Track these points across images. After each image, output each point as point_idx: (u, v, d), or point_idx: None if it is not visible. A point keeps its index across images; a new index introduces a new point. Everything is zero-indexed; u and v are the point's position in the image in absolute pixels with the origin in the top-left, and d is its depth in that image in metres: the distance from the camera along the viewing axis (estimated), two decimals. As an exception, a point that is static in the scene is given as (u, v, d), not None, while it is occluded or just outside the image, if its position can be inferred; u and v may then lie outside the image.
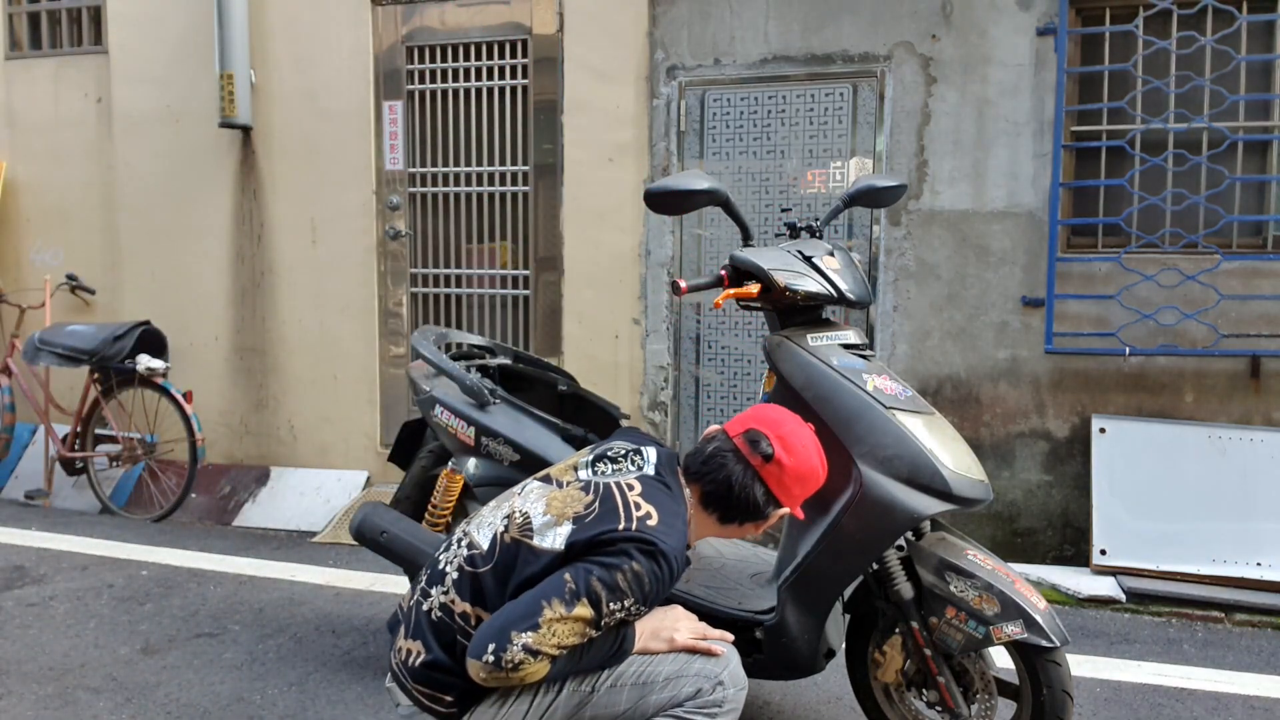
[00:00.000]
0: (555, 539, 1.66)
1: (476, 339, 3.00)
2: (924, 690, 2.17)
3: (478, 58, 4.77)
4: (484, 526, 1.77)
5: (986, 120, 4.02)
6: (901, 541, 2.11)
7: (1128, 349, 3.85)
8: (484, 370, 2.85)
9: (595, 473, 1.77)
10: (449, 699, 1.71)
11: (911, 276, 4.13)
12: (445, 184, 4.89)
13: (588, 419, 2.88)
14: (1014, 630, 1.96)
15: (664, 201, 2.19)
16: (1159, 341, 3.87)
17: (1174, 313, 3.82)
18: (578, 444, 2.71)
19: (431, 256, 4.94)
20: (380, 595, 3.48)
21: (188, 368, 5.17)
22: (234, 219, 5.11)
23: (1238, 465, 3.67)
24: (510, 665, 1.57)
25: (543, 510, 1.71)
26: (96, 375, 4.85)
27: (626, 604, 1.62)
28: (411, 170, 4.91)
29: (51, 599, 3.39)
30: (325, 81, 4.92)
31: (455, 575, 1.72)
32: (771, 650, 2.16)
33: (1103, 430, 3.82)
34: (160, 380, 4.71)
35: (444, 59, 4.82)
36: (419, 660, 1.72)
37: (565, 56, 4.56)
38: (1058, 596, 3.61)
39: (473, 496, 2.79)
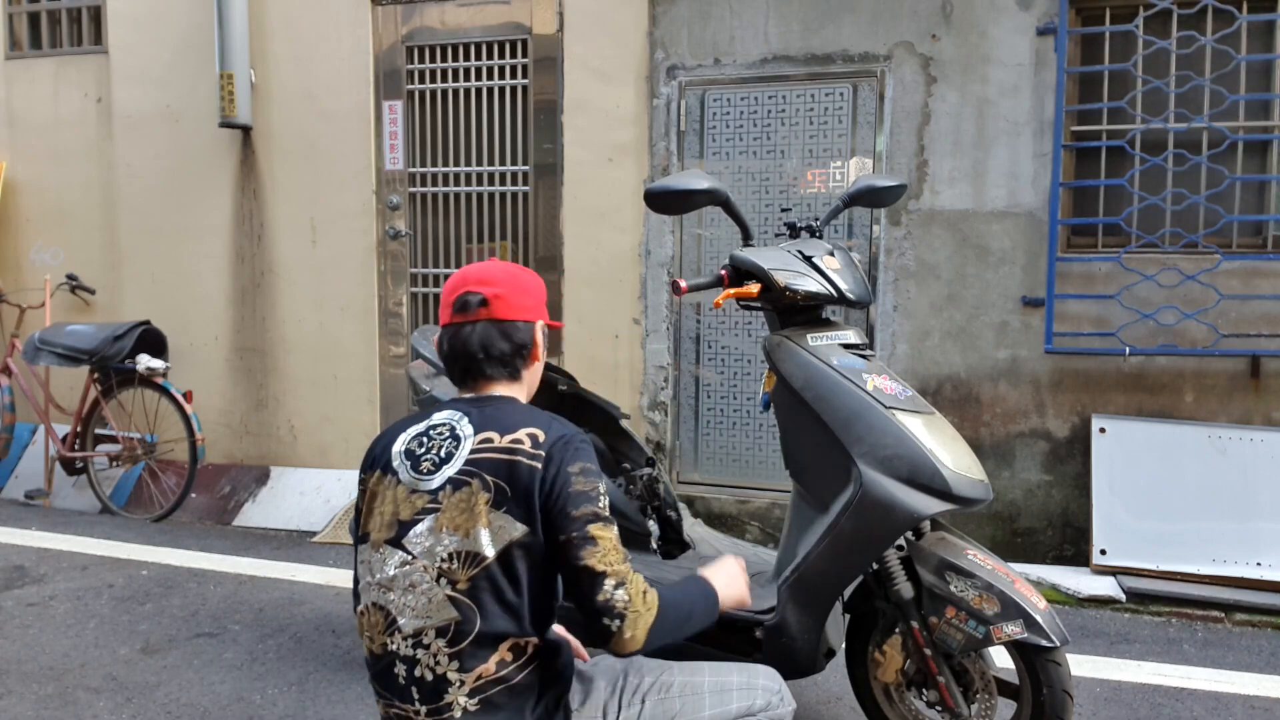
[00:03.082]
0: (503, 536, 1.57)
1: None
2: (924, 690, 2.17)
3: (478, 58, 4.77)
4: (411, 614, 1.58)
5: (986, 120, 4.02)
6: (901, 541, 2.11)
7: (1128, 349, 3.85)
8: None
9: (438, 473, 1.62)
10: None
11: (911, 276, 4.13)
12: (445, 184, 4.89)
13: (588, 419, 2.88)
14: (1014, 630, 1.95)
15: (664, 201, 2.19)
16: (1159, 341, 3.87)
17: (1174, 313, 3.82)
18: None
19: (431, 256, 4.95)
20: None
21: (188, 368, 5.17)
22: (234, 219, 5.11)
23: (1238, 465, 3.67)
24: (628, 609, 1.54)
25: (455, 539, 1.57)
26: (96, 375, 4.85)
27: (601, 489, 1.62)
28: (411, 170, 4.91)
29: (51, 599, 3.39)
30: (325, 81, 4.92)
31: (455, 666, 1.56)
32: (771, 650, 2.16)
33: (1103, 430, 3.82)
34: (160, 380, 4.72)
35: (444, 59, 4.82)
36: None
37: (565, 56, 4.56)
38: (1058, 596, 3.61)
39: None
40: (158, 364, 4.70)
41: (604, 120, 4.49)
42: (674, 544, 2.69)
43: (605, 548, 1.57)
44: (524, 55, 4.68)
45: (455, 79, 4.81)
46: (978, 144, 4.03)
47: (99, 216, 5.39)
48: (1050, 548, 4.01)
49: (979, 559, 2.05)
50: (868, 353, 2.21)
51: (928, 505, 1.98)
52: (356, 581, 1.72)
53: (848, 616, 2.28)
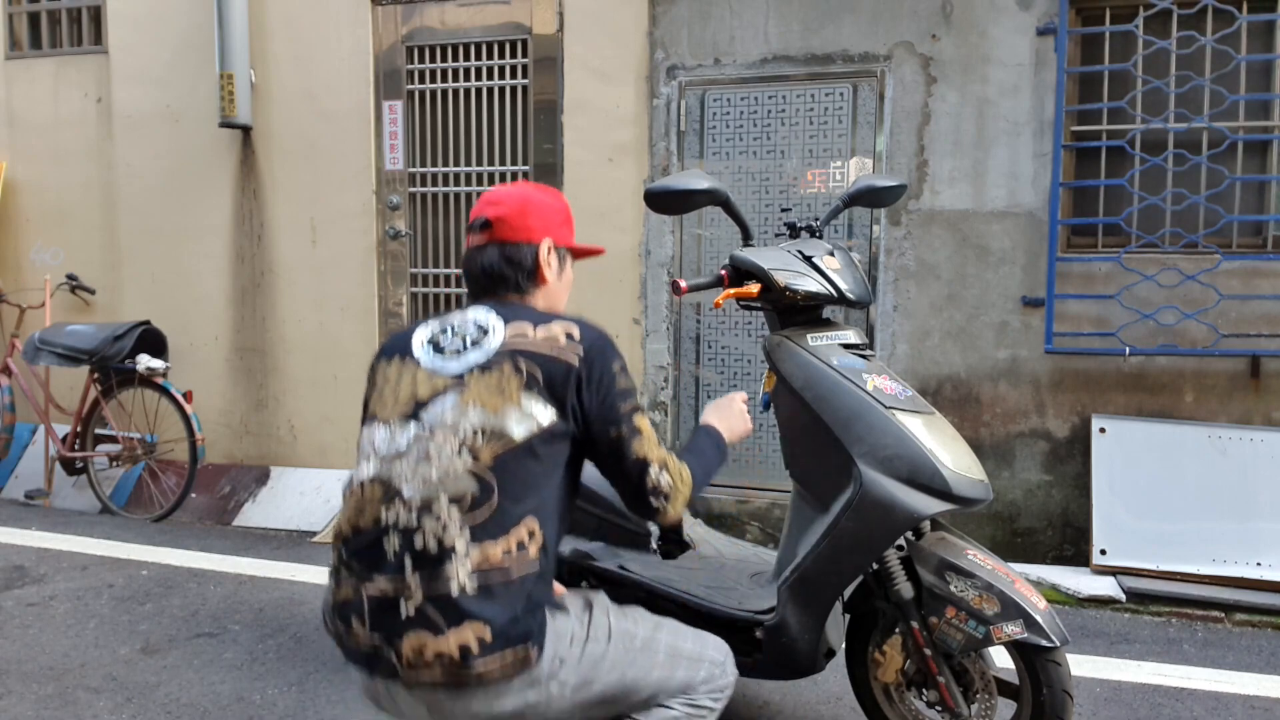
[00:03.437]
0: (534, 417, 1.57)
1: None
2: (924, 690, 2.17)
3: (478, 58, 4.77)
4: (421, 483, 1.55)
5: (986, 120, 4.02)
6: (901, 541, 2.11)
7: (1128, 349, 3.85)
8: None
9: (464, 356, 1.64)
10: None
11: (911, 276, 4.13)
12: (445, 184, 4.89)
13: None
14: (1014, 630, 1.95)
15: (664, 201, 2.19)
16: (1159, 341, 3.87)
17: (1174, 313, 3.82)
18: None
19: (431, 256, 4.94)
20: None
21: (188, 368, 5.17)
22: (234, 219, 5.11)
23: (1238, 465, 3.67)
24: (672, 491, 1.67)
25: (481, 414, 1.56)
26: (96, 375, 4.85)
27: (633, 384, 1.72)
28: (411, 170, 4.91)
29: (51, 599, 3.39)
30: (325, 81, 4.92)
31: (465, 537, 1.52)
32: (771, 650, 2.16)
33: (1103, 430, 3.82)
34: (160, 380, 4.72)
35: (444, 59, 4.82)
36: (494, 633, 1.51)
37: (565, 56, 4.56)
38: (1058, 596, 3.61)
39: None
40: (158, 364, 4.69)
41: (604, 120, 4.49)
42: (674, 544, 2.68)
43: (648, 436, 1.67)
44: (524, 55, 4.68)
45: (455, 79, 4.81)
46: (978, 144, 4.03)
47: (99, 216, 5.39)
48: (1050, 548, 4.01)
49: (979, 559, 2.05)
50: (868, 353, 2.21)
51: (928, 505, 1.98)
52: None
53: (848, 616, 2.28)
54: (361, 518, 1.59)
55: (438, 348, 1.67)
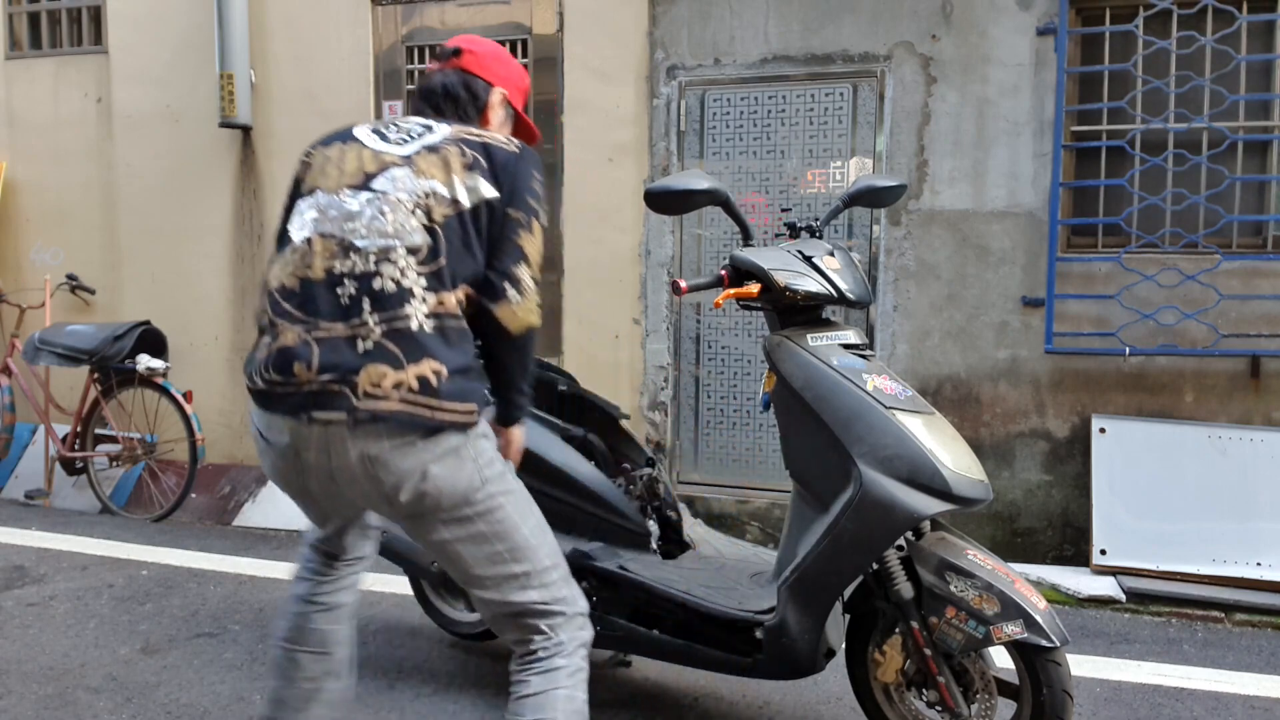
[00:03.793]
0: (476, 192, 1.72)
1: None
2: (924, 690, 2.17)
3: (478, 58, 4.76)
4: (378, 236, 1.66)
5: (986, 120, 4.02)
6: (901, 541, 2.11)
7: (1128, 349, 3.85)
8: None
9: (411, 144, 1.77)
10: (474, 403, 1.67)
11: (911, 276, 4.13)
12: (445, 184, 4.88)
13: (588, 419, 2.88)
14: (1014, 630, 1.96)
15: (664, 201, 2.19)
16: (1159, 341, 3.87)
17: (1174, 313, 3.82)
18: (578, 444, 2.71)
19: (431, 256, 4.94)
20: (380, 595, 3.48)
21: (188, 368, 5.17)
22: (234, 219, 5.11)
23: (1238, 465, 3.67)
24: (528, 291, 1.77)
25: (432, 183, 1.71)
26: (96, 375, 4.85)
27: (545, 207, 1.84)
28: (411, 170, 4.91)
29: (51, 599, 3.39)
30: (325, 81, 4.91)
31: (421, 284, 1.64)
32: (771, 650, 2.16)
33: (1103, 430, 3.82)
34: (160, 380, 4.71)
35: (444, 59, 4.82)
36: (449, 372, 1.61)
37: (565, 56, 4.56)
38: (1058, 596, 3.61)
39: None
40: (158, 364, 4.69)
41: (604, 120, 4.49)
42: (674, 544, 2.69)
43: (537, 242, 1.80)
44: (524, 55, 4.69)
45: (455, 79, 4.80)
46: (978, 144, 4.03)
47: (99, 216, 5.39)
48: (1050, 548, 4.01)
49: (979, 559, 2.05)
50: (868, 353, 2.21)
51: (928, 505, 1.98)
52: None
53: (848, 616, 2.28)
54: (309, 271, 1.66)
55: (383, 137, 1.79)
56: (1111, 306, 3.89)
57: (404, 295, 1.62)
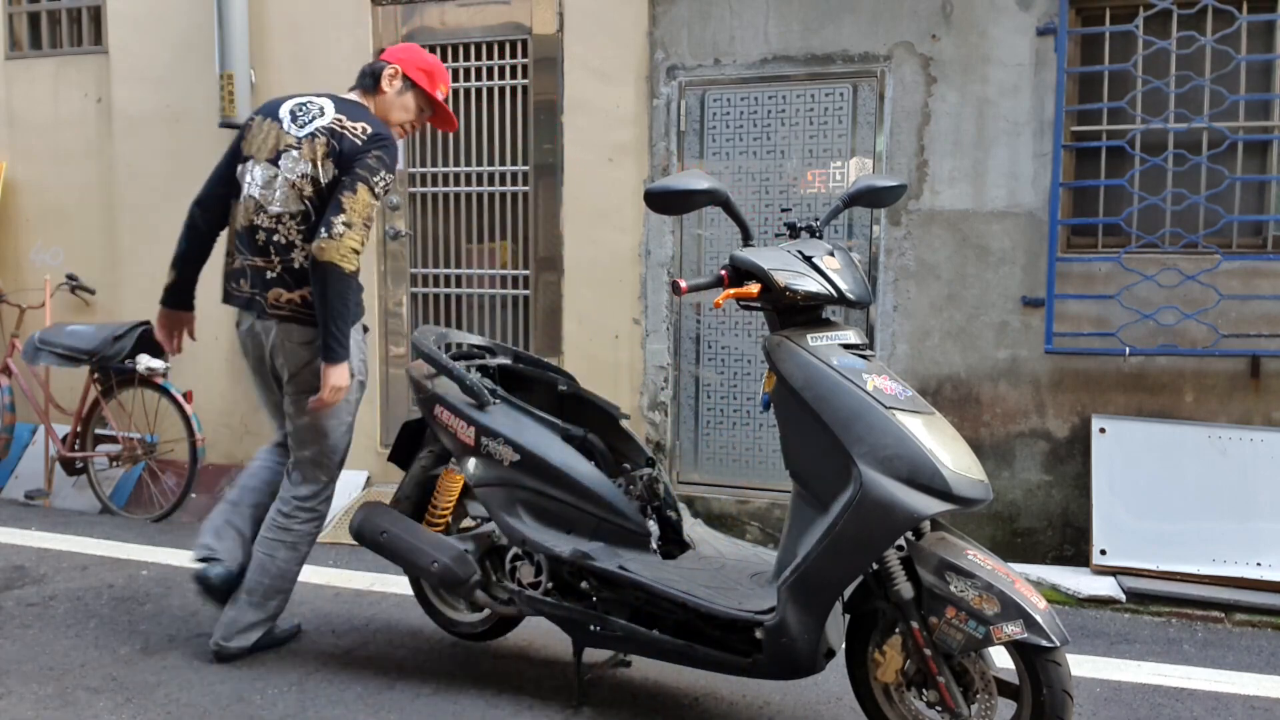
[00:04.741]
0: (328, 172, 2.61)
1: (476, 339, 3.00)
2: (924, 690, 2.17)
3: (478, 58, 4.77)
4: (278, 204, 2.66)
5: (986, 120, 4.02)
6: (901, 541, 2.11)
7: (1128, 349, 3.85)
8: (484, 370, 2.85)
9: (306, 127, 2.66)
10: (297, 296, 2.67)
11: (911, 276, 4.13)
12: (445, 184, 4.89)
13: (588, 419, 2.88)
14: (1014, 630, 1.96)
15: (664, 201, 2.20)
16: (1159, 341, 3.87)
17: (1174, 313, 3.82)
18: (578, 444, 2.71)
19: (431, 256, 4.94)
20: (380, 595, 3.48)
21: (188, 368, 5.17)
22: (234, 219, 5.10)
23: (1238, 465, 3.67)
24: (338, 235, 2.53)
25: (307, 165, 2.62)
26: (96, 375, 4.85)
27: (385, 175, 2.63)
28: (411, 170, 4.91)
29: (51, 599, 3.39)
30: (325, 81, 4.88)
31: (300, 238, 2.64)
32: (771, 650, 2.16)
33: (1103, 430, 3.82)
34: (160, 380, 4.71)
35: (444, 59, 4.81)
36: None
37: (565, 56, 4.56)
38: (1058, 596, 3.61)
39: (472, 496, 2.79)
40: (158, 364, 4.69)
41: (604, 120, 4.49)
42: (674, 544, 2.69)
43: (361, 202, 2.56)
44: (524, 55, 4.68)
45: (455, 79, 4.81)
46: (978, 144, 4.03)
47: (99, 216, 5.39)
48: (1050, 548, 4.01)
49: (979, 559, 2.06)
50: (868, 353, 2.21)
51: (928, 505, 1.98)
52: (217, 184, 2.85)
53: (848, 616, 2.28)
54: (245, 220, 2.71)
55: (294, 118, 2.71)
56: (1111, 306, 3.89)
57: (291, 245, 2.65)
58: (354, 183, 2.55)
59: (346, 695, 2.65)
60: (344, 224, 2.51)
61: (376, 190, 2.58)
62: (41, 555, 3.91)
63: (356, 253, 2.54)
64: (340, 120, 2.64)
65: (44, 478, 5.13)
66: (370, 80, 2.79)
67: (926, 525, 2.14)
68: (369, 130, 2.62)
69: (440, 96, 2.85)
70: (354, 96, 2.77)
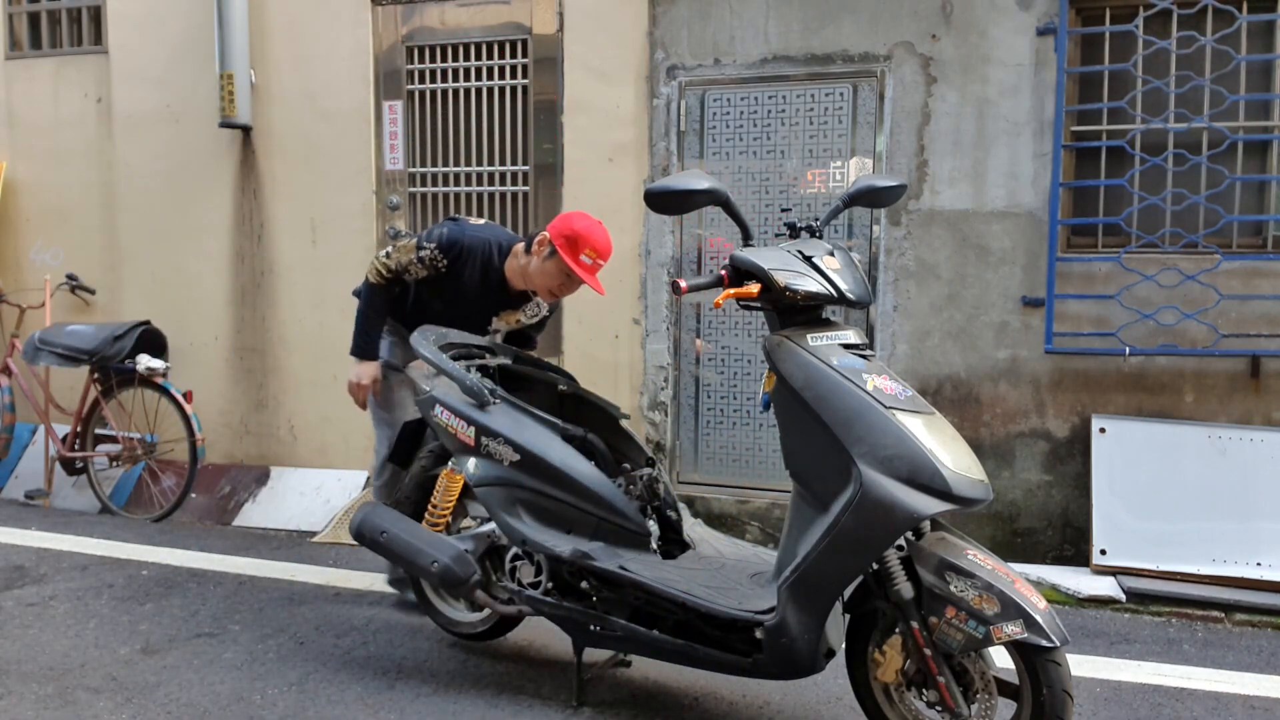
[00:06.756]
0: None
1: (476, 339, 3.00)
2: (924, 690, 2.17)
3: (478, 58, 4.77)
4: None
5: (986, 120, 4.02)
6: (901, 541, 2.11)
7: (1128, 349, 3.85)
8: (484, 370, 2.85)
9: None
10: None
11: (911, 276, 4.13)
12: (445, 184, 4.89)
13: (588, 419, 2.88)
14: (1014, 630, 1.96)
15: (664, 201, 2.19)
16: (1159, 341, 3.87)
17: (1174, 313, 3.82)
18: (578, 444, 2.71)
19: (431, 256, 4.94)
20: (380, 595, 3.48)
21: (188, 368, 5.17)
22: (234, 219, 5.11)
23: (1238, 465, 3.67)
24: (374, 259, 3.08)
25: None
26: (96, 375, 4.85)
27: (428, 249, 2.99)
28: (411, 170, 4.91)
29: (51, 599, 3.39)
30: (325, 81, 4.91)
31: None
32: (771, 650, 2.16)
33: (1103, 430, 3.82)
34: (160, 380, 4.71)
35: (444, 59, 4.82)
36: None
37: (565, 56, 4.56)
38: (1058, 596, 3.61)
39: (472, 496, 2.79)
40: (158, 364, 4.69)
41: (604, 120, 4.49)
42: (674, 544, 2.69)
43: (398, 246, 3.04)
44: (524, 55, 4.68)
45: (455, 79, 4.81)
46: (978, 144, 4.03)
47: (99, 216, 5.39)
48: (1050, 548, 4.01)
49: (979, 559, 2.06)
50: (868, 353, 2.21)
51: (928, 505, 1.98)
52: None
53: (848, 616, 2.28)
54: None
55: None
56: (1111, 306, 3.89)
57: None
58: (399, 239, 3.12)
59: (346, 695, 2.65)
60: (380, 253, 3.10)
61: (421, 247, 3.01)
62: (41, 555, 3.91)
63: (379, 272, 3.08)
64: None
65: (44, 478, 5.13)
66: (527, 244, 2.96)
67: (926, 525, 2.14)
68: (440, 246, 3.04)
69: (582, 264, 2.83)
70: (518, 249, 3.02)
